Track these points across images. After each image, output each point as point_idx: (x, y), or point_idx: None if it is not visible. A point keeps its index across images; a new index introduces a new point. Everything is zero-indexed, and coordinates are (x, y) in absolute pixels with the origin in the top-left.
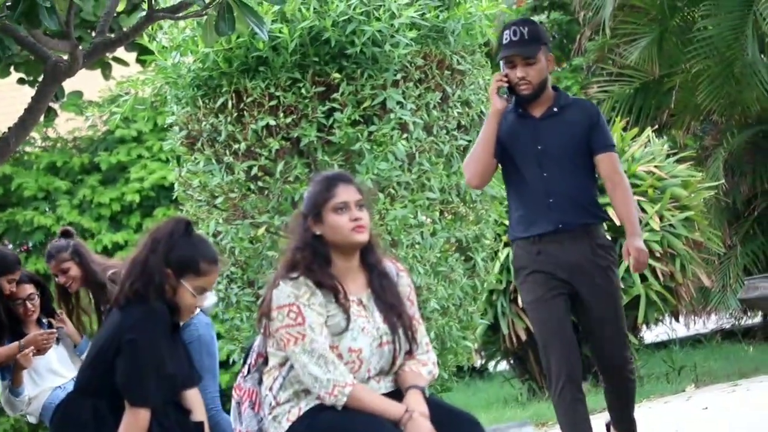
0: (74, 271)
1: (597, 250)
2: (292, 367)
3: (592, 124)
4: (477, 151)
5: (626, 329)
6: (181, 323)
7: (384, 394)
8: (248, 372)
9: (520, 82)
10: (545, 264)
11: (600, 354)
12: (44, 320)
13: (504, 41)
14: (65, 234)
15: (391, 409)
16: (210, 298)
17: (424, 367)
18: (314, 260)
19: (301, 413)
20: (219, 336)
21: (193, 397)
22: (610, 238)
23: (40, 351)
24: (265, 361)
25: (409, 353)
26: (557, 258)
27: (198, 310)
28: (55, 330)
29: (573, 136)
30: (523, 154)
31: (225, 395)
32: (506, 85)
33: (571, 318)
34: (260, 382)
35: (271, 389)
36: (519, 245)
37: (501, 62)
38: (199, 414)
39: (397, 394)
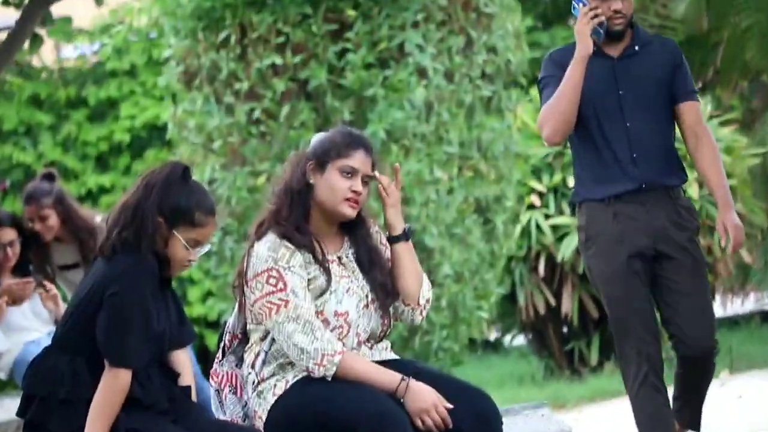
0: (53, 220)
1: (682, 212)
2: (274, 340)
3: (675, 66)
4: (562, 103)
5: (712, 307)
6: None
7: (377, 362)
8: (223, 355)
9: (614, 16)
10: (623, 230)
11: (683, 334)
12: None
13: None
14: (48, 177)
15: (386, 377)
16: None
17: None
18: (292, 212)
19: (288, 386)
20: (210, 294)
21: (181, 359)
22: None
23: (15, 301)
24: (240, 342)
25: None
26: (638, 222)
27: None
28: (31, 279)
29: (656, 79)
30: (602, 101)
31: (212, 358)
32: (604, 20)
33: (650, 295)
34: (238, 364)
35: (253, 366)
36: (591, 207)
37: None
38: (186, 377)
39: (390, 363)
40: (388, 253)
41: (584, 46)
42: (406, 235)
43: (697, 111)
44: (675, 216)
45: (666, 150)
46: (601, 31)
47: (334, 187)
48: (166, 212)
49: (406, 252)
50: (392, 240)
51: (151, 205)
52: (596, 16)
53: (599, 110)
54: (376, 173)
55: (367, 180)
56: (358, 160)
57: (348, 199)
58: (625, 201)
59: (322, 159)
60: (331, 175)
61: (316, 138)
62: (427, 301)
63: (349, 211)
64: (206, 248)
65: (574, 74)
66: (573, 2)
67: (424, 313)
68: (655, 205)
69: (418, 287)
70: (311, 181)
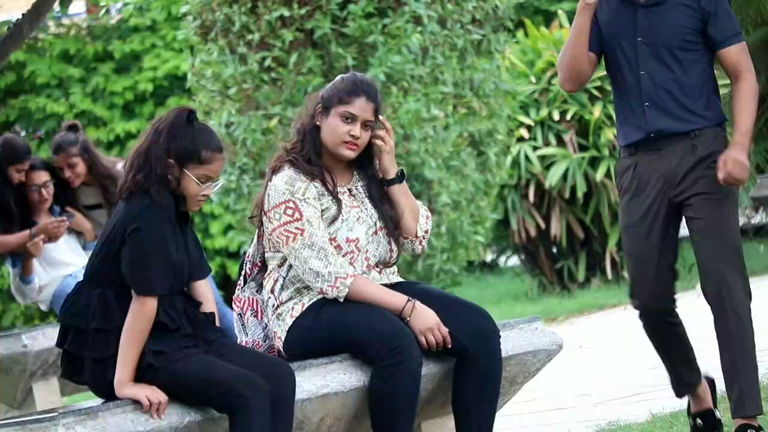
0: (81, 167)
1: (704, 160)
2: (291, 266)
3: (708, 12)
4: (567, 51)
5: (740, 256)
6: (190, 212)
7: (385, 285)
8: (245, 282)
9: None
10: (641, 179)
11: (701, 276)
12: (56, 208)
13: None
14: (72, 128)
15: (394, 299)
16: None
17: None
18: (304, 147)
19: (304, 308)
20: (230, 227)
21: (202, 289)
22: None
23: (51, 239)
24: (260, 270)
25: None
26: (653, 171)
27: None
28: (65, 218)
29: (680, 26)
30: (623, 48)
31: (234, 285)
32: None
33: (673, 240)
34: (258, 290)
35: (272, 291)
36: (621, 155)
37: None
38: (209, 305)
39: (398, 286)
40: None
41: None
42: (399, 178)
43: (735, 55)
44: (692, 164)
45: (685, 96)
46: None
47: (335, 131)
48: (175, 153)
49: (400, 193)
50: (387, 183)
51: (159, 148)
52: None
53: (621, 57)
54: (382, 119)
55: (369, 125)
56: (357, 106)
57: (346, 143)
58: (642, 150)
59: (327, 104)
60: (334, 119)
61: (330, 84)
62: (426, 232)
63: (348, 153)
64: (219, 183)
65: (576, 24)
66: None
67: (424, 243)
68: (671, 155)
69: (415, 223)
70: (318, 123)
